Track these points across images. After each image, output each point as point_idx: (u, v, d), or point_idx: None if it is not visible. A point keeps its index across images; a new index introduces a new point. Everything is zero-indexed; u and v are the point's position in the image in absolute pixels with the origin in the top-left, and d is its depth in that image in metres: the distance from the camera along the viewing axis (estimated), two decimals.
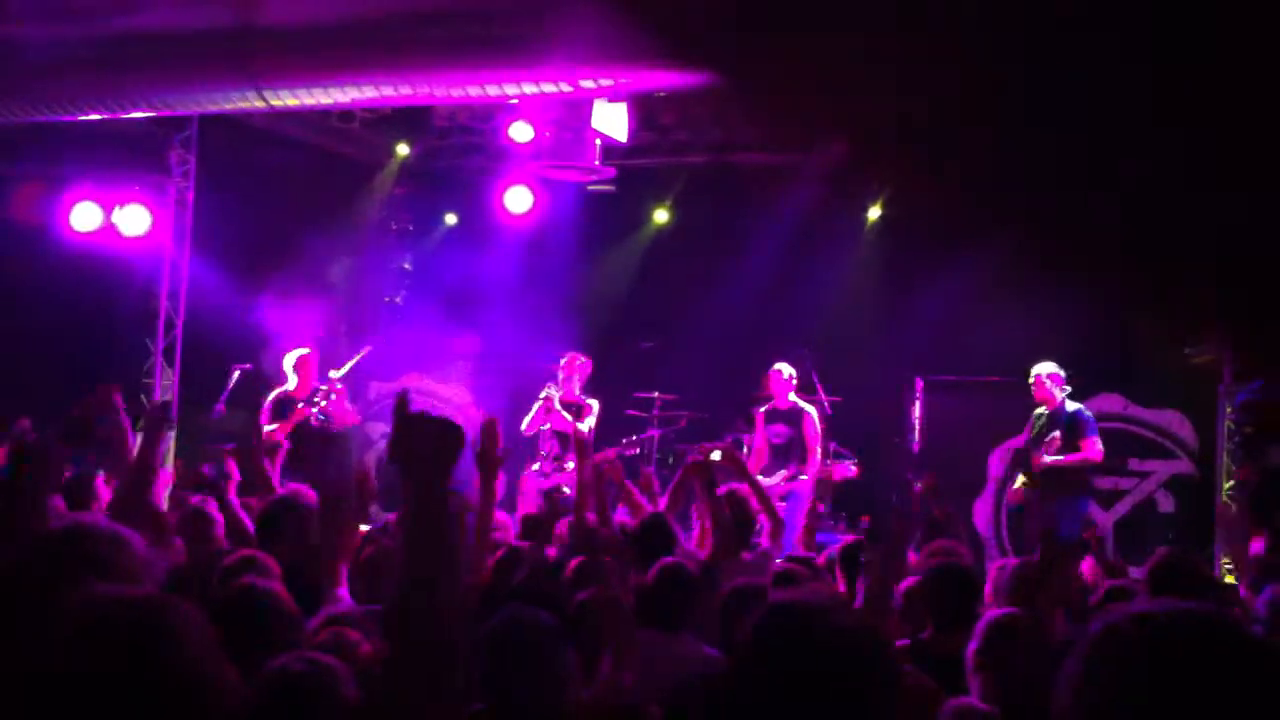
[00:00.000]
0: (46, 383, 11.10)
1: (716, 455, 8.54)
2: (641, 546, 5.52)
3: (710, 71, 7.92)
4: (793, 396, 10.28)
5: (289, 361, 10.33)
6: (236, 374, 10.60)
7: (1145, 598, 4.65)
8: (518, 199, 12.19)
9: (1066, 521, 8.95)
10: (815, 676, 2.05)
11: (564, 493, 9.62)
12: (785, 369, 10.28)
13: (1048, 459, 9.24)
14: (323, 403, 10.12)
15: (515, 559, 4.99)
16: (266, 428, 9.64)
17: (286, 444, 9.24)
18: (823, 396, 11.24)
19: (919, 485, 6.38)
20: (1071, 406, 9.44)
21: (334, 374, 10.44)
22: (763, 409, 10.34)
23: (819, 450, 10.22)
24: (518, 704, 3.23)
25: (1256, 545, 7.36)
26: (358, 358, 10.96)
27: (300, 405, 10.06)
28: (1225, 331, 10.21)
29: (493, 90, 8.34)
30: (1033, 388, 9.51)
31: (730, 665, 2.20)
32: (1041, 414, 9.53)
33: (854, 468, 10.62)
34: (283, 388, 10.26)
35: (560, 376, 10.47)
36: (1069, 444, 9.26)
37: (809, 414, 10.24)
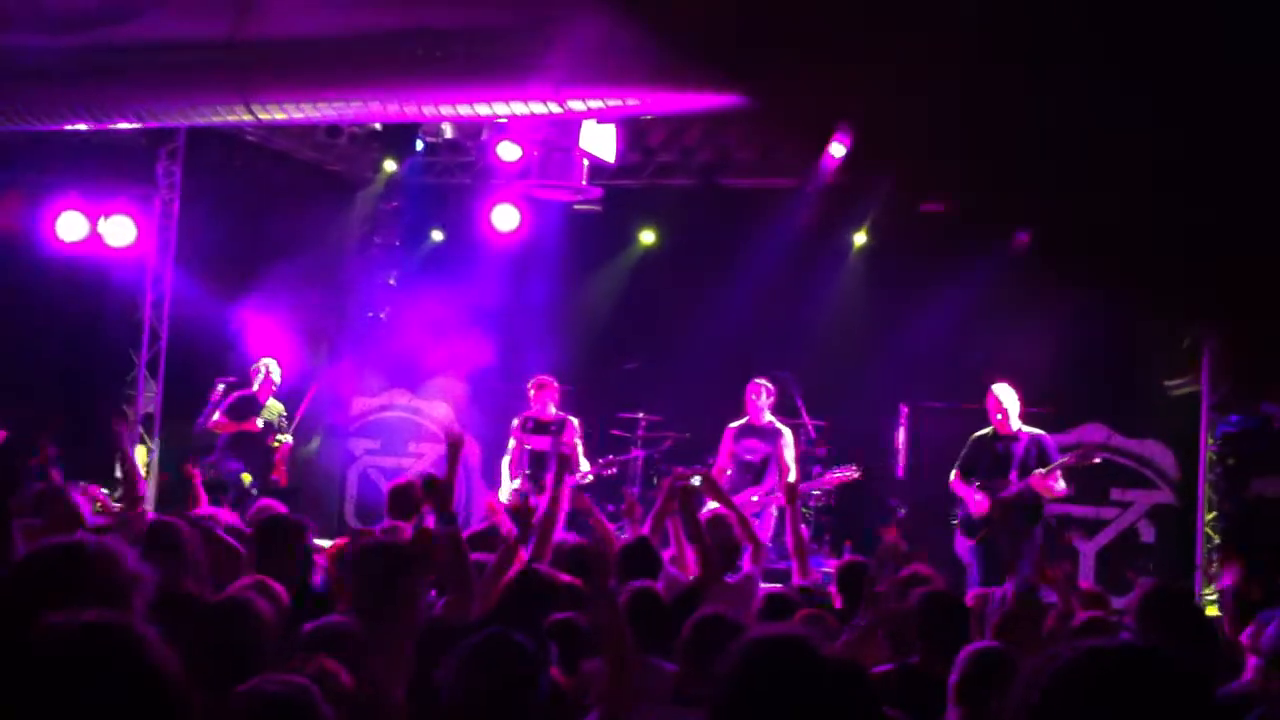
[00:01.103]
0: (31, 393, 11.06)
1: (696, 481, 8.52)
2: (624, 570, 5.50)
3: (718, 90, 7.94)
4: (769, 415, 10.06)
5: (256, 367, 10.85)
6: (221, 387, 10.74)
7: (1131, 629, 4.66)
8: (504, 217, 12.19)
9: (1030, 556, 8.63)
10: (800, 709, 2.05)
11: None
12: (765, 385, 10.07)
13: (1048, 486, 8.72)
14: (280, 440, 10.76)
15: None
16: (214, 418, 10.66)
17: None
18: (806, 420, 11.23)
19: (889, 536, 6.34)
20: (1032, 431, 8.98)
21: (283, 437, 10.87)
22: (734, 424, 10.08)
23: (793, 471, 9.89)
24: None
25: (1227, 579, 7.35)
26: (306, 399, 11.21)
27: (253, 416, 10.63)
28: (1207, 362, 10.27)
29: (483, 110, 8.37)
30: (990, 407, 8.99)
31: (715, 696, 2.19)
32: (988, 436, 9.06)
33: (855, 473, 10.22)
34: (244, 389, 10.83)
35: (531, 395, 10.42)
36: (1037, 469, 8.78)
37: (785, 434, 10.00)
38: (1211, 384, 10.27)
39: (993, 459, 8.96)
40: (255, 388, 10.81)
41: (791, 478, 9.75)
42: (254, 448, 10.59)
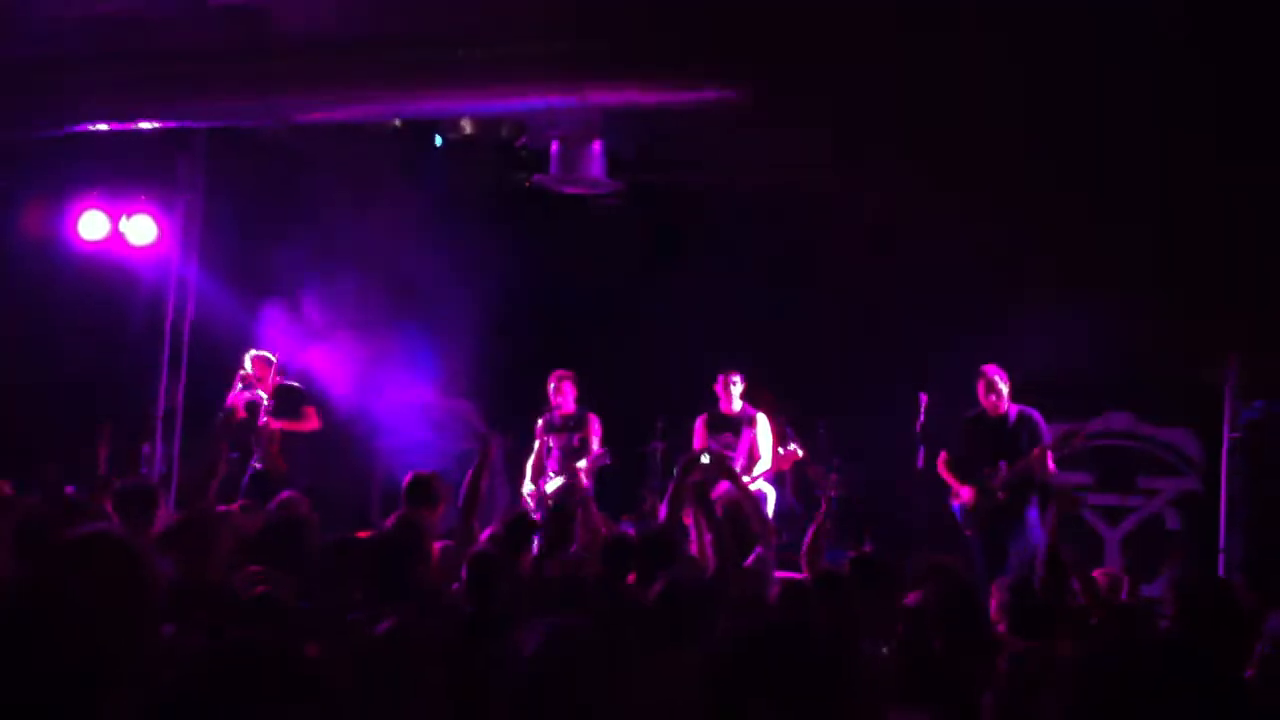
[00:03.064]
0: (55, 392, 11.14)
1: (705, 459, 8.50)
2: (644, 559, 5.51)
3: (726, 86, 7.96)
4: (739, 403, 9.91)
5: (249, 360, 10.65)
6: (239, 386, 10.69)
7: (1171, 621, 4.60)
8: (527, 213, 12.19)
9: (1039, 529, 8.52)
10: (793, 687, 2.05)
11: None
12: (736, 374, 9.92)
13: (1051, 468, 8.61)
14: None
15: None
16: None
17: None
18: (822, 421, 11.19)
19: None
20: (1022, 409, 8.86)
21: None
22: (705, 415, 9.94)
23: (766, 459, 9.72)
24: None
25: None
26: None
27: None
28: (1232, 349, 10.21)
29: (501, 105, 8.40)
30: (984, 389, 8.90)
31: (709, 674, 2.19)
32: (977, 417, 8.96)
33: (799, 451, 10.08)
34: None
35: (551, 390, 10.40)
36: (1031, 450, 8.68)
37: (758, 420, 9.85)
38: (1237, 371, 10.20)
39: (983, 441, 8.86)
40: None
41: (765, 465, 9.59)
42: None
